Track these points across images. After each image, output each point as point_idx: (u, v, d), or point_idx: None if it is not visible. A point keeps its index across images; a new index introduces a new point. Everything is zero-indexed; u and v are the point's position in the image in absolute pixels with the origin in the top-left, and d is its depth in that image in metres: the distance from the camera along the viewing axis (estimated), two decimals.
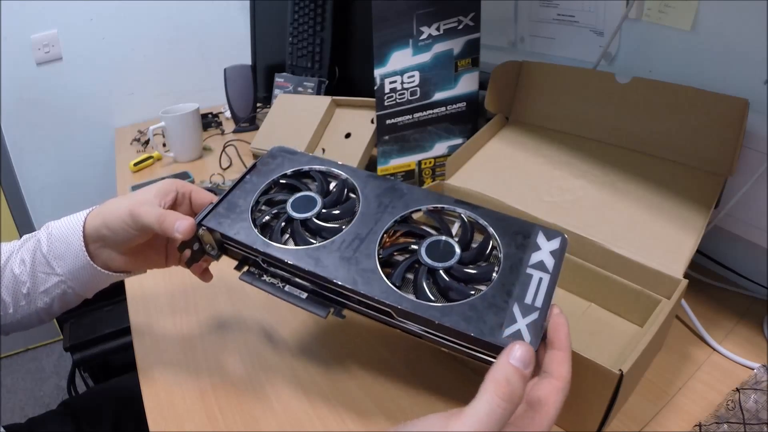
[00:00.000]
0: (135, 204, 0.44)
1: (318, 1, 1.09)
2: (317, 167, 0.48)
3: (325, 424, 0.45)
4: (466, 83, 0.74)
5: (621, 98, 0.60)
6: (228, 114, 1.36)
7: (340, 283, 0.38)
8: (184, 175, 1.01)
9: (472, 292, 0.36)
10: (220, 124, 1.34)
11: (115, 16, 1.43)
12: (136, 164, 1.10)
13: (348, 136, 0.91)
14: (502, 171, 0.65)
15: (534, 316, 0.34)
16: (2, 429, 0.53)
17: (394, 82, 0.73)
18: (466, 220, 0.41)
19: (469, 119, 0.76)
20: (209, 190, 0.83)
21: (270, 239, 0.42)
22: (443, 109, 0.75)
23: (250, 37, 1.40)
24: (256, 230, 0.42)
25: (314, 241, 0.41)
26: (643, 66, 0.65)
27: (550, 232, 0.39)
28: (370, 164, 0.88)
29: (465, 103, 0.75)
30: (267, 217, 0.45)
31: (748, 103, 0.50)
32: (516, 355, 0.28)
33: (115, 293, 0.60)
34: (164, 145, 1.14)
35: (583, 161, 0.62)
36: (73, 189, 1.55)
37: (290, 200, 0.45)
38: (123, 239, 0.46)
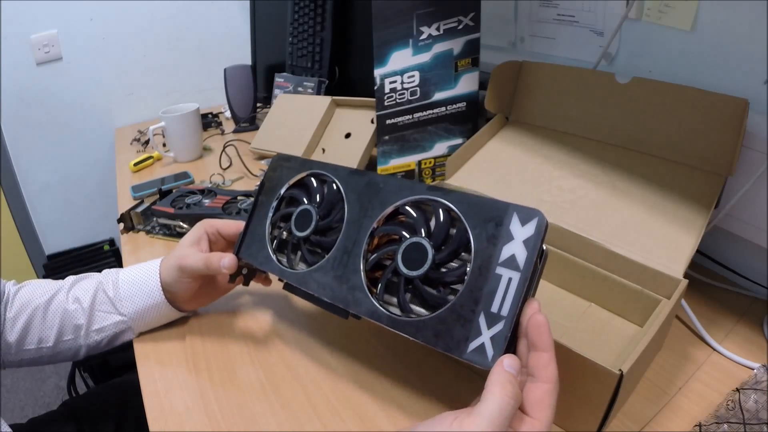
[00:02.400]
0: (179, 259, 0.52)
1: (318, 1, 1.09)
2: (306, 173, 0.51)
3: (325, 425, 0.45)
4: (466, 83, 0.74)
5: (621, 98, 0.60)
6: (228, 114, 1.36)
7: (338, 305, 0.42)
8: (184, 175, 1.01)
9: (451, 296, 0.37)
10: (220, 124, 1.34)
11: (115, 16, 1.44)
12: (136, 164, 1.10)
13: (348, 136, 0.91)
14: (502, 171, 0.65)
15: (499, 327, 0.33)
16: (8, 428, 0.53)
17: (394, 82, 0.73)
18: (440, 212, 0.40)
19: (469, 119, 0.76)
20: (209, 190, 0.84)
21: (287, 260, 0.48)
22: (443, 109, 0.75)
23: (250, 37, 1.40)
24: (274, 257, 0.49)
25: (316, 259, 0.46)
26: (643, 66, 0.65)
27: (525, 213, 0.35)
28: (370, 164, 0.88)
29: (465, 103, 0.75)
30: (284, 234, 0.50)
31: (748, 103, 0.50)
32: (506, 363, 0.32)
33: None
34: (164, 145, 1.15)
35: (583, 161, 0.62)
36: (73, 189, 1.54)
37: (293, 217, 0.49)
38: (183, 290, 0.54)
